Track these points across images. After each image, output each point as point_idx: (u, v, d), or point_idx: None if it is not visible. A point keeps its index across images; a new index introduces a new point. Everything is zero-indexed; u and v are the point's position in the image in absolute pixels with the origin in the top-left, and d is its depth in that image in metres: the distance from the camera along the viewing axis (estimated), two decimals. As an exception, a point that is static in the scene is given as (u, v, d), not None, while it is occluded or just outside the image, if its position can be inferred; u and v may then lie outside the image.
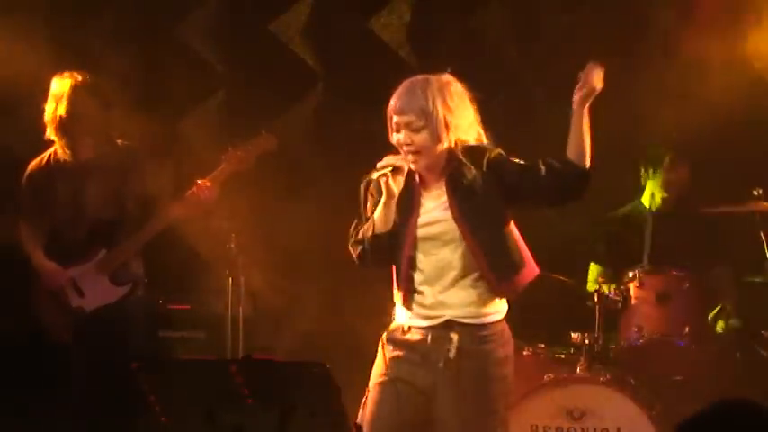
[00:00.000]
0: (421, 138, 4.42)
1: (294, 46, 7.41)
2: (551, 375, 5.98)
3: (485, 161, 4.47)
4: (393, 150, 4.55)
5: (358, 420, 4.47)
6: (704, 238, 6.52)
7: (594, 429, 5.79)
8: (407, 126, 4.42)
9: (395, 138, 4.47)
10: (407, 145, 4.43)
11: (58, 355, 5.86)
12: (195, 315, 6.82)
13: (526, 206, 4.67)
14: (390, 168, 4.45)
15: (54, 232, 6.01)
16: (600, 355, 6.09)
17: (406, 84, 4.50)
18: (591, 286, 6.44)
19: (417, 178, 4.53)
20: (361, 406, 4.56)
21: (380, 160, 4.53)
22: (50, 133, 5.93)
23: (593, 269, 6.66)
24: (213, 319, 6.69)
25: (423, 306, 4.52)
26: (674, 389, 6.05)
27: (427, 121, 4.41)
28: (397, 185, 4.47)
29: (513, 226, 4.57)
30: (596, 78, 4.39)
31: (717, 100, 6.52)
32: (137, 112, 6.27)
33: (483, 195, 4.46)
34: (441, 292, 4.50)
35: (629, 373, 6.03)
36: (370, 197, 4.58)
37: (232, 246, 6.31)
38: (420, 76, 4.52)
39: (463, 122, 4.48)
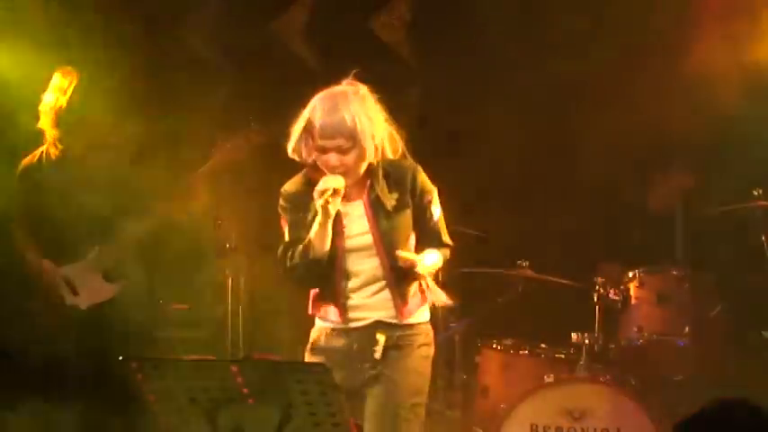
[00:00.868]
0: (350, 158, 4.47)
1: (294, 46, 7.41)
2: (551, 375, 5.99)
3: (407, 181, 4.54)
4: None
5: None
6: None
7: (594, 429, 5.80)
8: (337, 149, 4.46)
9: (322, 159, 4.49)
10: (337, 167, 4.46)
11: (55, 354, 5.84)
12: (195, 315, 6.81)
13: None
14: (331, 191, 4.43)
15: (47, 230, 5.98)
16: (600, 355, 6.10)
17: (325, 101, 4.50)
18: None
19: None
20: None
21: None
22: (44, 123, 5.86)
23: None
24: (213, 319, 6.68)
25: (352, 309, 4.57)
26: (674, 389, 6.06)
27: (355, 142, 4.45)
28: (334, 206, 4.47)
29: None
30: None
31: (717, 100, 6.52)
32: (137, 110, 6.26)
33: (397, 213, 4.53)
34: (368, 297, 4.56)
35: (629, 373, 6.03)
36: (284, 211, 4.62)
37: (232, 246, 6.30)
38: (337, 91, 4.52)
39: (383, 133, 4.53)
